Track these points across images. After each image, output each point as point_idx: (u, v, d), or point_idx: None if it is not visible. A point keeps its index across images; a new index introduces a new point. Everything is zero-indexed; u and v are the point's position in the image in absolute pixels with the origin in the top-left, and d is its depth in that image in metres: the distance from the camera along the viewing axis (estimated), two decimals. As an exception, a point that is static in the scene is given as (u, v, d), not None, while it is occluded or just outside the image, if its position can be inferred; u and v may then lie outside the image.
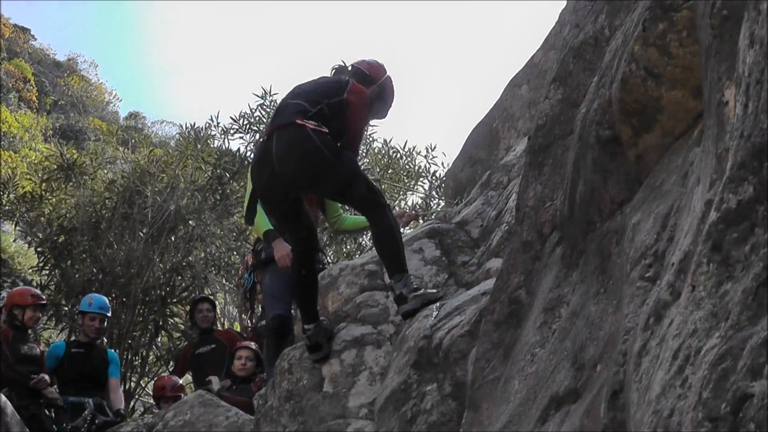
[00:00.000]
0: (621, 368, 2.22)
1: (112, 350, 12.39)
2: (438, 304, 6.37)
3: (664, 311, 2.03)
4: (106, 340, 16.58)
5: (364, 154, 20.66)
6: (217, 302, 17.67)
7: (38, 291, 12.68)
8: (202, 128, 20.88)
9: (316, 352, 6.90)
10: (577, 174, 3.34)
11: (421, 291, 6.52)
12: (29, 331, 11.79)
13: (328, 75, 7.65)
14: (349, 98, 7.05)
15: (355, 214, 9.77)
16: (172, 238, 17.91)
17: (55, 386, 11.44)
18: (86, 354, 11.33)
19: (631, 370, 2.07)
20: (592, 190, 3.15)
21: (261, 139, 7.37)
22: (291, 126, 6.73)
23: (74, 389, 11.10)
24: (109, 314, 12.06)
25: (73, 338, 13.70)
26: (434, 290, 6.70)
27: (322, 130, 6.70)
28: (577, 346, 2.97)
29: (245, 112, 19.76)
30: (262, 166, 6.90)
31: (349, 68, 7.67)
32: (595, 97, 3.18)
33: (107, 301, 11.92)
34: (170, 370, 14.55)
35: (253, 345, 11.27)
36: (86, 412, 10.82)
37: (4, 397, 9.63)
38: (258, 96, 19.63)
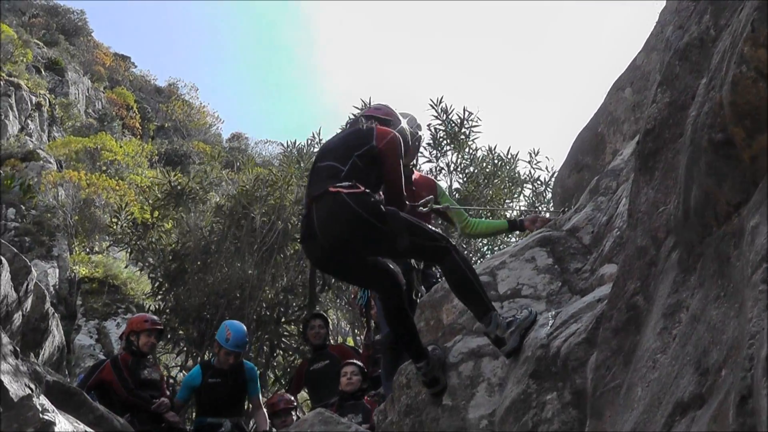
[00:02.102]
0: (748, 373, 2.20)
1: (250, 363, 12.38)
2: (553, 312, 6.34)
3: (790, 315, 2.02)
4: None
5: (469, 163, 20.62)
6: (329, 319, 17.83)
7: (154, 317, 12.91)
8: (304, 146, 21.07)
9: (434, 386, 6.78)
10: (691, 178, 3.32)
11: (515, 324, 6.27)
12: (149, 356, 11.98)
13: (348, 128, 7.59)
14: (378, 144, 6.97)
15: (486, 217, 9.70)
16: (282, 258, 18.07)
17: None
18: (223, 383, 11.42)
19: (760, 375, 2.05)
20: (706, 193, 3.12)
21: (301, 215, 7.28)
22: (325, 195, 6.63)
23: (212, 413, 11.24)
24: (246, 349, 12.15)
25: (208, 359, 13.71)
26: (524, 311, 6.48)
27: (357, 190, 6.57)
28: (699, 351, 2.95)
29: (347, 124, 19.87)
30: (310, 242, 6.83)
31: (363, 118, 7.57)
32: (705, 100, 3.16)
33: (245, 333, 11.92)
34: (286, 388, 14.67)
35: (358, 362, 11.37)
36: (220, 429, 10.95)
37: (126, 422, 9.83)
38: (358, 108, 19.74)
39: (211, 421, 11.11)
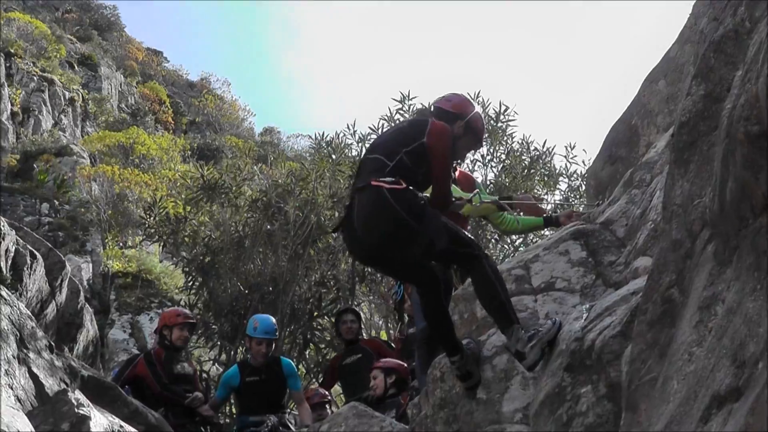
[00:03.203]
0: (786, 365, 2.20)
1: (287, 360, 12.40)
2: (587, 305, 6.33)
3: (828, 308, 2.02)
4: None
5: (504, 156, 20.59)
6: (362, 313, 17.83)
7: (187, 311, 12.95)
8: (335, 138, 21.06)
9: (468, 380, 6.78)
10: (726, 170, 3.31)
11: (536, 338, 6.20)
12: (182, 351, 12.01)
13: (412, 117, 7.48)
14: (428, 141, 6.83)
15: (519, 214, 9.66)
16: (315, 251, 18.10)
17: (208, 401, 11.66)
18: (262, 381, 11.42)
19: (798, 368, 2.06)
20: (742, 186, 3.12)
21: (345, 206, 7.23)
22: (367, 189, 6.60)
23: (254, 411, 11.23)
24: (276, 336, 12.16)
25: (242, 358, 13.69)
26: (547, 322, 6.42)
27: (399, 186, 6.52)
28: (736, 343, 2.94)
29: (385, 115, 19.79)
30: (350, 234, 6.84)
31: (431, 108, 7.50)
32: (741, 93, 3.15)
33: (273, 322, 11.95)
34: (319, 382, 14.69)
35: (382, 362, 11.34)
36: (264, 426, 10.93)
37: (161, 417, 9.87)
38: (396, 101, 19.66)
39: (253, 419, 11.07)
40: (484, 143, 20.82)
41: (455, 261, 6.83)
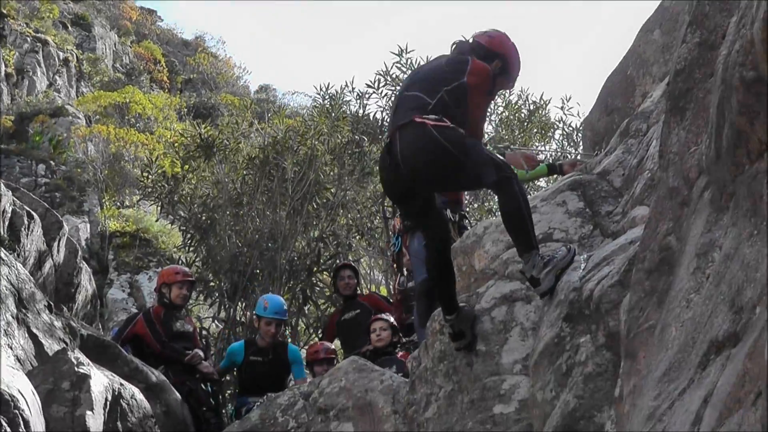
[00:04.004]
0: (784, 310, 2.21)
1: (294, 347, 12.45)
2: (585, 255, 6.33)
3: (825, 250, 2.02)
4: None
5: (503, 108, 20.61)
6: (361, 267, 17.84)
7: (186, 269, 12.97)
8: (335, 93, 21.02)
9: (460, 340, 6.83)
10: (722, 117, 3.30)
11: (551, 264, 6.23)
12: (182, 309, 12.03)
13: (448, 53, 7.41)
14: (469, 80, 6.81)
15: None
16: (314, 207, 18.09)
17: (210, 361, 11.68)
18: (265, 362, 11.43)
19: (796, 312, 2.06)
20: (738, 132, 3.11)
21: (384, 142, 7.18)
22: (411, 125, 6.58)
23: (253, 392, 11.22)
24: (286, 317, 12.19)
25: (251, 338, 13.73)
26: (563, 249, 6.43)
27: (443, 124, 6.52)
28: (733, 289, 2.95)
29: (381, 70, 19.73)
30: (389, 170, 6.82)
31: (470, 41, 7.43)
32: (737, 38, 3.14)
33: (283, 303, 12.08)
34: (319, 337, 14.74)
35: (386, 316, 11.41)
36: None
37: (161, 374, 9.91)
38: (395, 54, 19.59)
39: (252, 400, 11.03)
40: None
41: (495, 187, 6.81)
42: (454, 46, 7.39)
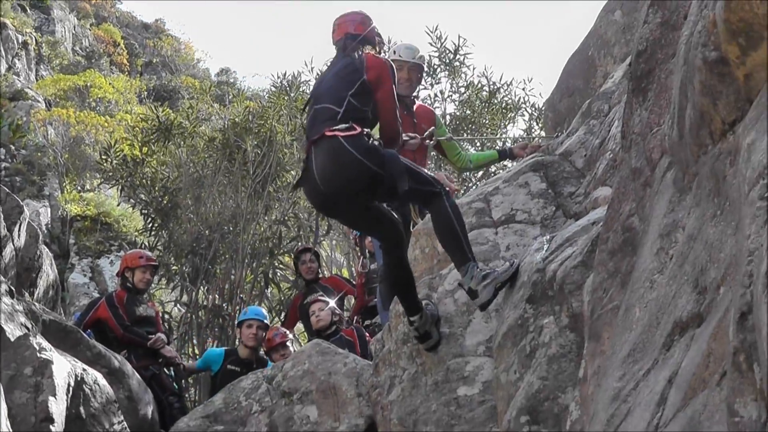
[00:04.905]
0: (747, 289, 2.20)
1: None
2: (548, 236, 6.35)
3: (790, 230, 2.02)
4: (218, 296, 16.94)
5: (464, 89, 20.66)
6: (323, 250, 17.80)
7: (149, 253, 12.91)
8: (294, 75, 21.00)
9: (427, 341, 6.80)
10: (685, 97, 3.31)
11: (490, 277, 6.18)
12: (144, 293, 11.99)
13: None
14: (369, 76, 6.78)
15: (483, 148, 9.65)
16: (275, 189, 18.05)
17: (173, 345, 11.66)
18: (242, 374, 11.36)
19: (760, 291, 2.06)
20: (701, 112, 3.11)
21: (302, 158, 7.11)
22: (323, 140, 6.52)
23: None
24: (267, 321, 12.18)
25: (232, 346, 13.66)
26: (505, 264, 6.41)
27: (354, 132, 6.45)
28: (697, 269, 2.96)
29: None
30: (309, 186, 6.76)
31: (344, 36, 7.24)
32: (699, 19, 3.14)
33: (263, 310, 12.25)
34: (282, 321, 14.72)
35: (323, 297, 11.50)
36: None
37: (124, 359, 9.86)
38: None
39: None
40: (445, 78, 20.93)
41: (419, 200, 6.78)
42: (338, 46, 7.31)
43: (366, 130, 6.57)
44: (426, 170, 6.91)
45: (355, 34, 7.21)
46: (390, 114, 6.89)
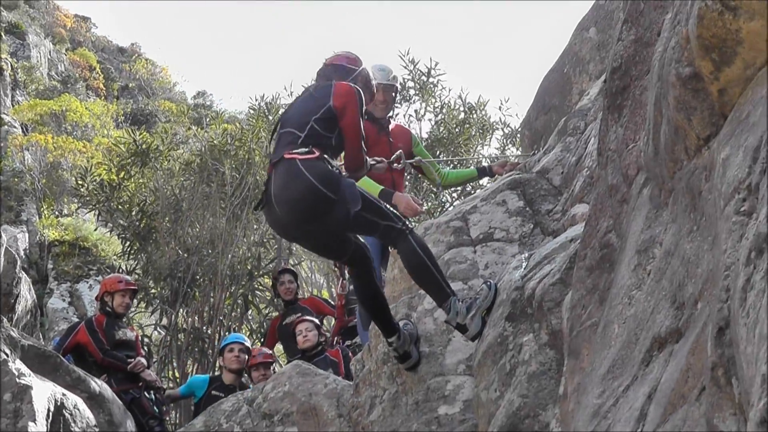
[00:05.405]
0: (725, 304, 2.21)
1: None
2: (526, 254, 6.35)
3: (765, 245, 2.02)
4: (198, 319, 16.92)
5: (440, 109, 20.75)
6: (302, 271, 17.80)
7: (128, 277, 12.91)
8: (272, 98, 21.02)
9: (407, 361, 6.77)
10: (659, 113, 3.32)
11: (474, 307, 6.16)
12: (123, 317, 11.97)
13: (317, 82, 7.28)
14: (335, 103, 6.71)
15: (456, 167, 9.67)
16: (252, 212, 18.06)
17: (153, 368, 11.63)
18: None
19: (737, 306, 2.06)
20: (676, 128, 3.13)
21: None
22: (282, 162, 6.45)
23: None
24: (248, 344, 12.16)
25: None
26: (483, 288, 6.38)
27: (312, 156, 6.39)
28: (674, 285, 2.97)
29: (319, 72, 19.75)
30: (269, 210, 6.67)
31: (330, 66, 7.31)
32: (672, 35, 3.16)
33: (245, 336, 12.38)
34: (261, 342, 14.71)
35: (309, 317, 11.54)
36: None
37: (104, 383, 9.82)
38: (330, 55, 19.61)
39: None
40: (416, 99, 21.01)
41: (379, 235, 6.67)
42: (317, 77, 7.32)
43: (325, 155, 6.49)
44: (386, 206, 6.79)
45: (348, 68, 7.25)
46: (354, 142, 6.82)
